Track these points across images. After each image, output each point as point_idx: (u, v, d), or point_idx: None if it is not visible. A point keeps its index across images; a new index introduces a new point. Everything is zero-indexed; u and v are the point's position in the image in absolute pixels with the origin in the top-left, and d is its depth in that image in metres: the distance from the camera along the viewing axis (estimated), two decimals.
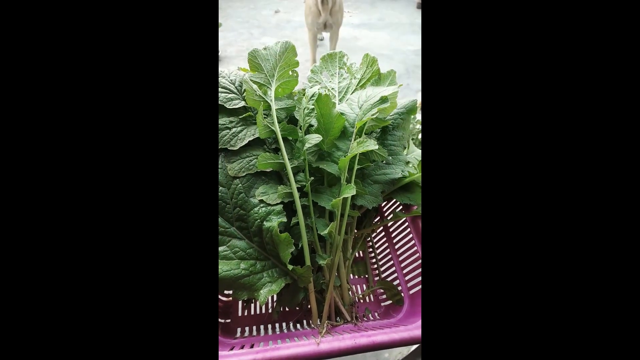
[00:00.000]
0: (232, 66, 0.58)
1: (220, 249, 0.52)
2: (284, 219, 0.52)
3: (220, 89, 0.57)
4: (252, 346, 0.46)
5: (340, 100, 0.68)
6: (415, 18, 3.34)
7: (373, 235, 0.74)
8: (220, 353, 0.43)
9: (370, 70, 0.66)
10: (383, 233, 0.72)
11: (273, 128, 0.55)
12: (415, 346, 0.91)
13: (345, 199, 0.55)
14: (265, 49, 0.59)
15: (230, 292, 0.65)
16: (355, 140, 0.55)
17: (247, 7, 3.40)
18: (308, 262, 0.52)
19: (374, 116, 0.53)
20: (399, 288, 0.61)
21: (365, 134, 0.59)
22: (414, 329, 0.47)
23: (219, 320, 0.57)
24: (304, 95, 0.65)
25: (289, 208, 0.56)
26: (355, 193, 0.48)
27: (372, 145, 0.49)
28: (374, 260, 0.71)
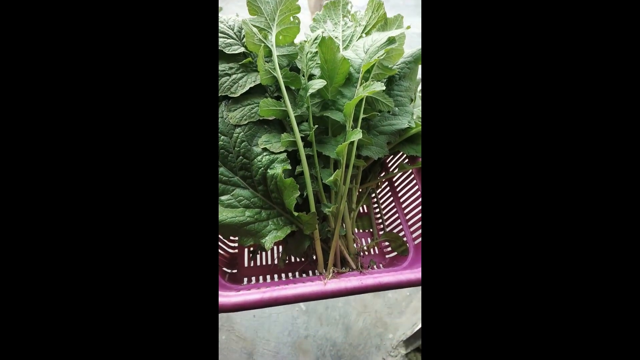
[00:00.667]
0: None
1: (224, 197, 0.52)
2: (289, 167, 0.51)
3: (219, 34, 0.54)
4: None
5: (344, 49, 0.65)
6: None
7: (377, 191, 0.74)
8: (228, 293, 0.43)
9: (376, 16, 0.62)
10: (388, 188, 0.71)
11: (275, 74, 0.53)
12: (418, 327, 0.93)
13: (350, 148, 0.53)
14: None
15: (236, 244, 0.65)
16: (361, 85, 0.53)
17: None
18: (313, 209, 0.52)
19: (382, 57, 0.50)
20: (404, 239, 0.61)
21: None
22: (419, 272, 0.47)
23: (226, 270, 0.58)
24: (306, 43, 0.62)
25: (292, 158, 0.55)
26: (361, 136, 0.46)
27: (379, 86, 0.47)
28: (378, 215, 0.71)
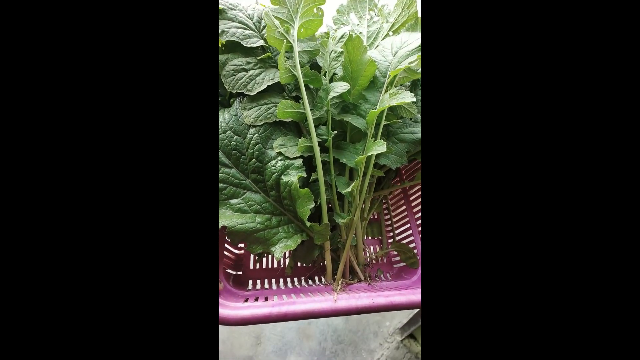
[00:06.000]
0: None
1: (234, 201, 0.49)
2: (304, 174, 0.48)
3: (236, 24, 0.50)
4: (266, 299, 0.46)
5: (368, 47, 0.60)
6: None
7: (390, 198, 0.72)
8: (235, 304, 0.42)
9: (407, 14, 0.58)
10: (401, 195, 0.69)
11: (295, 72, 0.50)
12: (415, 311, 0.96)
13: (369, 157, 0.51)
14: None
15: (243, 245, 0.64)
16: (387, 91, 0.49)
17: None
18: (326, 219, 0.50)
19: (413, 64, 0.47)
20: (415, 251, 0.60)
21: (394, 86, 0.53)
22: None
23: (231, 272, 0.57)
24: (328, 38, 0.58)
25: (307, 163, 0.52)
26: (385, 150, 0.44)
27: (408, 97, 0.44)
28: (389, 222, 0.69)
